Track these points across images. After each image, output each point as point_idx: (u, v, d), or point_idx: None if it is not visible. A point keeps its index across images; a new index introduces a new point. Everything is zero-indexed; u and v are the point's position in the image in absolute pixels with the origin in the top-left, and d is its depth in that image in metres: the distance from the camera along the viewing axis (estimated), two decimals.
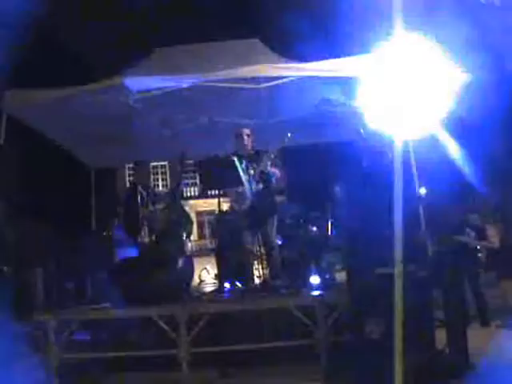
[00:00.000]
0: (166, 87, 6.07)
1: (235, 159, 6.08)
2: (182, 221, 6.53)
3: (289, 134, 6.15)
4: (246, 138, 6.19)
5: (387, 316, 3.47)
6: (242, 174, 6.05)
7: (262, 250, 6.18)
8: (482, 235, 7.13)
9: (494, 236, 7.03)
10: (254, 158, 6.15)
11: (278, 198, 6.91)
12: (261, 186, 6.15)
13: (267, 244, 6.17)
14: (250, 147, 6.22)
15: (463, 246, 6.94)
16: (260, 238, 6.05)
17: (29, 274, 5.99)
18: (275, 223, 6.25)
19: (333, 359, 4.75)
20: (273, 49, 7.19)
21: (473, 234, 7.11)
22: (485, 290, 7.06)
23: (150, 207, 6.52)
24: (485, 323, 6.70)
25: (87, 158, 8.34)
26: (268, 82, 6.39)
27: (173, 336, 5.05)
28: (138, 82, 5.76)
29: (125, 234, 6.89)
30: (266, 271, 6.20)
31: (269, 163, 6.22)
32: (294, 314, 5.04)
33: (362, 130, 4.80)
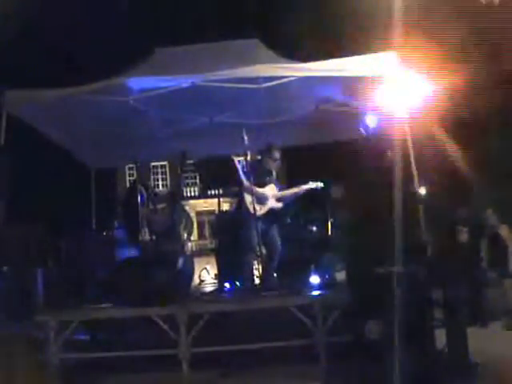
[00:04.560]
0: (165, 87, 6.07)
1: (235, 159, 6.08)
2: (182, 221, 6.53)
3: None
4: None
5: (387, 316, 3.47)
6: (241, 174, 6.05)
7: (262, 250, 6.18)
8: (492, 234, 7.07)
9: (507, 236, 6.98)
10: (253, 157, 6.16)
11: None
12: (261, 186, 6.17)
13: (268, 244, 6.17)
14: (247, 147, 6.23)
15: (465, 244, 6.91)
16: (262, 238, 6.05)
17: (29, 274, 5.98)
18: (275, 223, 6.26)
19: (332, 359, 4.75)
20: (273, 49, 7.19)
21: (465, 230, 7.05)
22: (485, 289, 7.04)
23: (150, 207, 6.51)
24: (485, 323, 6.69)
25: (87, 158, 8.34)
26: (268, 81, 6.39)
27: (173, 336, 5.05)
28: (139, 82, 5.75)
29: (125, 234, 6.89)
30: (266, 271, 6.20)
31: (270, 163, 6.26)
32: (294, 314, 5.04)
33: (362, 130, 4.80)
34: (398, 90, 4.16)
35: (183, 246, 6.49)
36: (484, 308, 6.83)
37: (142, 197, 6.44)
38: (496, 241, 7.05)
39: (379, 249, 3.80)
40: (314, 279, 6.00)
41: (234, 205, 6.53)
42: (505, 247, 6.92)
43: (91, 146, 7.73)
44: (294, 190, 6.44)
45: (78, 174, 10.27)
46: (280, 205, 6.30)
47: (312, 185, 6.49)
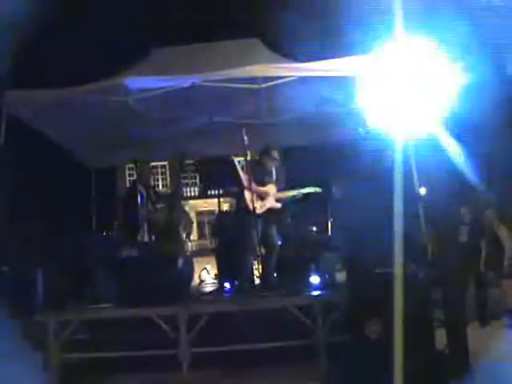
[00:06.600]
0: (165, 87, 6.07)
1: (235, 159, 6.09)
2: (182, 221, 6.53)
3: None
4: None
5: (387, 316, 3.47)
6: (241, 173, 6.05)
7: (262, 250, 6.18)
8: (492, 234, 7.08)
9: (506, 238, 6.98)
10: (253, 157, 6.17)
11: None
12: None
13: (267, 244, 6.17)
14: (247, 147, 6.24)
15: (465, 244, 6.90)
16: (260, 237, 6.05)
17: (29, 273, 5.98)
18: (275, 223, 6.26)
19: (332, 359, 4.75)
20: (273, 49, 7.19)
21: (465, 230, 7.04)
22: (485, 289, 7.04)
23: (150, 207, 6.51)
24: (484, 323, 6.69)
25: (87, 158, 8.33)
26: (268, 82, 6.39)
27: (173, 336, 5.05)
28: (138, 82, 5.75)
29: (125, 234, 6.88)
30: (266, 271, 6.20)
31: (269, 163, 6.26)
32: (294, 314, 5.04)
33: (361, 130, 4.80)
34: (398, 89, 4.15)
35: (183, 246, 6.49)
36: (484, 308, 6.83)
37: (141, 197, 6.44)
38: (495, 241, 7.06)
39: (379, 249, 3.81)
40: (314, 279, 6.00)
41: (233, 205, 6.53)
42: (502, 247, 6.93)
43: (91, 146, 7.73)
44: (293, 192, 6.45)
45: (77, 173, 10.27)
46: (279, 205, 6.31)
47: (311, 189, 6.51)
